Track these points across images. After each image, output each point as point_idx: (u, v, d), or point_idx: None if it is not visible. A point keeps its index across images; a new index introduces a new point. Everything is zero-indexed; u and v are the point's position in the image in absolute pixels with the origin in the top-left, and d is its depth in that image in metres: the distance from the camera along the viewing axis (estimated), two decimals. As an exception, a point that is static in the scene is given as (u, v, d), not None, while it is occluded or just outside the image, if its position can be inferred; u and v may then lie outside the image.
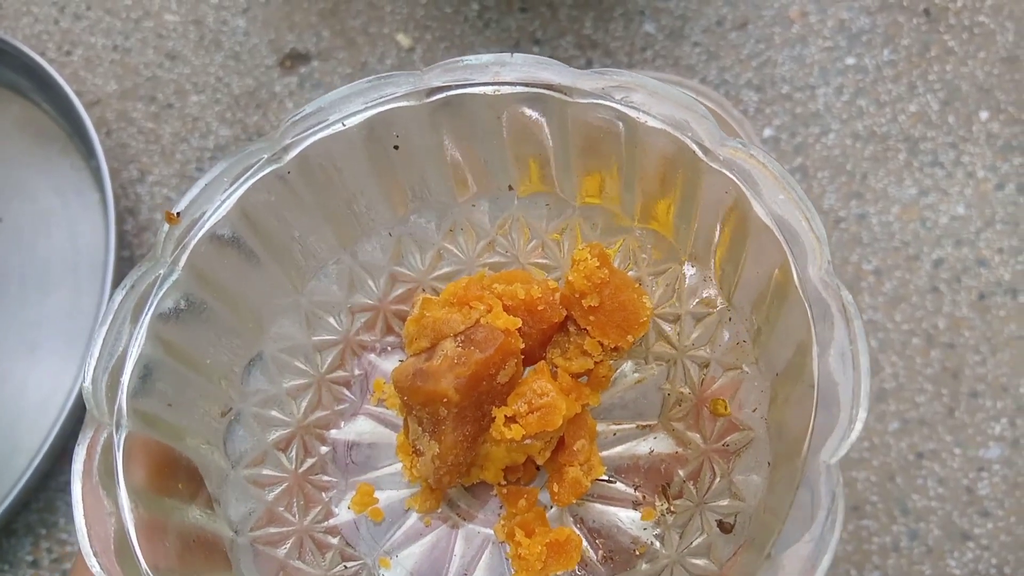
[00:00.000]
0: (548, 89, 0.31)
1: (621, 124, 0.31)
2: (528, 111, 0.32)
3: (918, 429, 0.57)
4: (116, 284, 0.61)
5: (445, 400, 0.30)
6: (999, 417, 0.57)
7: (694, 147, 0.30)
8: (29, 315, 0.65)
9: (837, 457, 0.25)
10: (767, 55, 0.67)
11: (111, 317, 0.30)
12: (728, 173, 0.29)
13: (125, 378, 0.29)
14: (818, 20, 0.67)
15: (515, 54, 0.32)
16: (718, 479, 0.33)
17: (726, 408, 0.33)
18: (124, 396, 0.29)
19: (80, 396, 0.58)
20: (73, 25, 0.74)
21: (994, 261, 0.60)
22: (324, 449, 0.36)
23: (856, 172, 0.63)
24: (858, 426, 0.25)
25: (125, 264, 0.65)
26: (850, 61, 0.66)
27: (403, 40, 0.70)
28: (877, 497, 0.56)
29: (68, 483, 0.61)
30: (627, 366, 0.36)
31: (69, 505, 0.61)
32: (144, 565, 0.27)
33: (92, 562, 0.27)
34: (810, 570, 0.24)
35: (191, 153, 0.69)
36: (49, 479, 0.61)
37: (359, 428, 0.37)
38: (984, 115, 0.64)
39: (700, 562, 0.31)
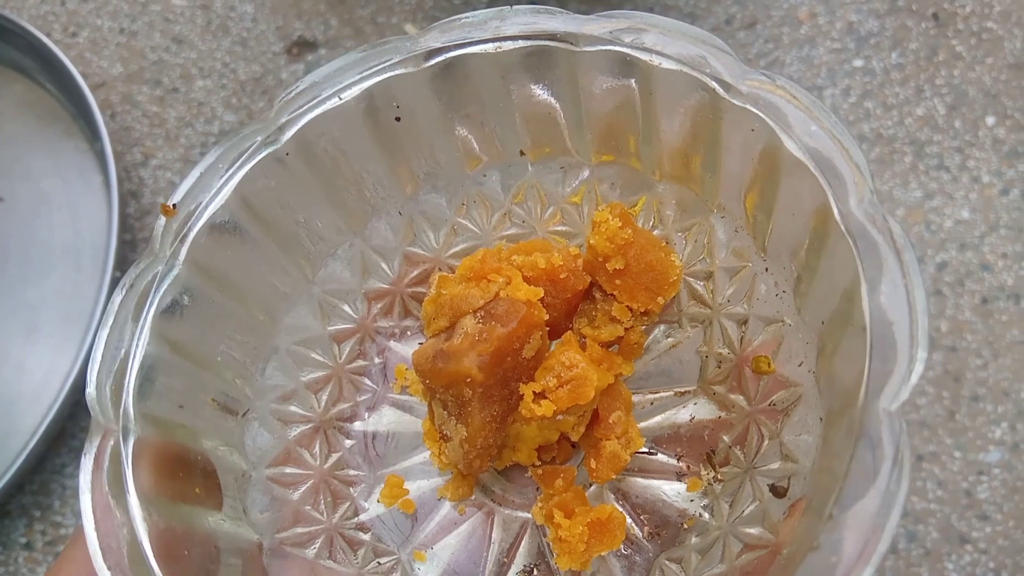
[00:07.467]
0: (552, 40, 0.29)
1: (634, 72, 0.29)
2: (534, 68, 0.30)
3: (918, 431, 0.57)
4: (118, 267, 0.61)
5: (469, 380, 0.28)
6: (999, 421, 0.57)
7: (714, 84, 0.28)
8: (29, 296, 0.65)
9: (898, 402, 0.23)
10: (775, 55, 0.67)
11: (112, 319, 0.28)
12: (753, 109, 0.27)
13: (129, 381, 0.27)
14: (827, 22, 0.67)
15: (515, 6, 0.30)
16: (767, 441, 0.30)
17: (770, 365, 0.31)
18: (130, 400, 0.27)
19: (78, 379, 0.58)
20: (80, 7, 0.73)
21: (997, 266, 0.60)
22: (348, 443, 0.34)
23: (862, 174, 0.63)
24: (919, 367, 0.23)
25: (127, 247, 0.65)
26: (858, 63, 0.66)
27: (411, 30, 0.70)
28: (876, 498, 0.56)
29: (64, 466, 0.60)
30: (659, 331, 0.34)
31: (64, 488, 0.60)
32: None
33: None
34: (878, 528, 0.22)
35: (195, 138, 0.69)
36: (44, 461, 0.60)
37: (383, 418, 0.35)
38: (991, 120, 0.64)
39: (753, 531, 0.29)
